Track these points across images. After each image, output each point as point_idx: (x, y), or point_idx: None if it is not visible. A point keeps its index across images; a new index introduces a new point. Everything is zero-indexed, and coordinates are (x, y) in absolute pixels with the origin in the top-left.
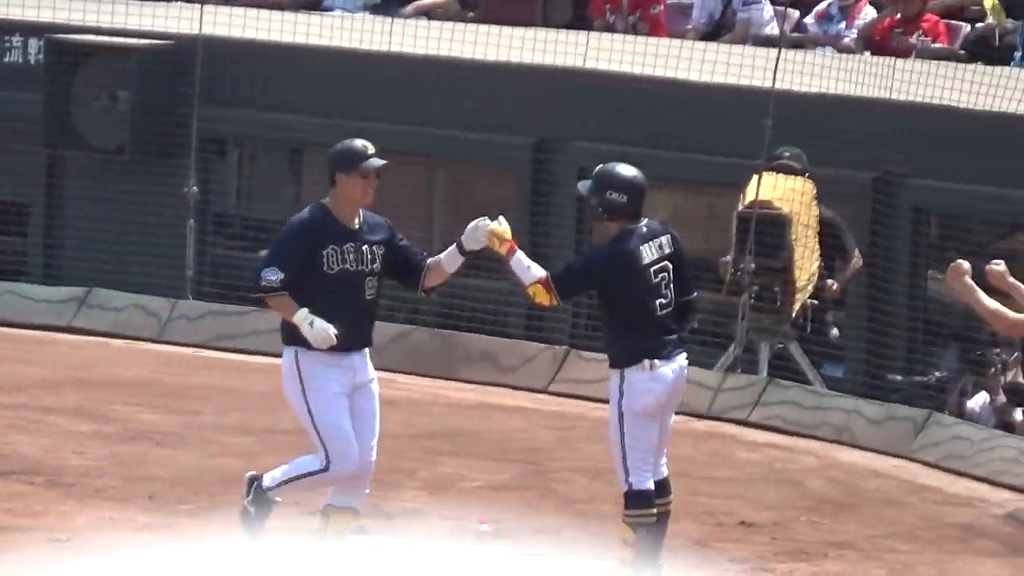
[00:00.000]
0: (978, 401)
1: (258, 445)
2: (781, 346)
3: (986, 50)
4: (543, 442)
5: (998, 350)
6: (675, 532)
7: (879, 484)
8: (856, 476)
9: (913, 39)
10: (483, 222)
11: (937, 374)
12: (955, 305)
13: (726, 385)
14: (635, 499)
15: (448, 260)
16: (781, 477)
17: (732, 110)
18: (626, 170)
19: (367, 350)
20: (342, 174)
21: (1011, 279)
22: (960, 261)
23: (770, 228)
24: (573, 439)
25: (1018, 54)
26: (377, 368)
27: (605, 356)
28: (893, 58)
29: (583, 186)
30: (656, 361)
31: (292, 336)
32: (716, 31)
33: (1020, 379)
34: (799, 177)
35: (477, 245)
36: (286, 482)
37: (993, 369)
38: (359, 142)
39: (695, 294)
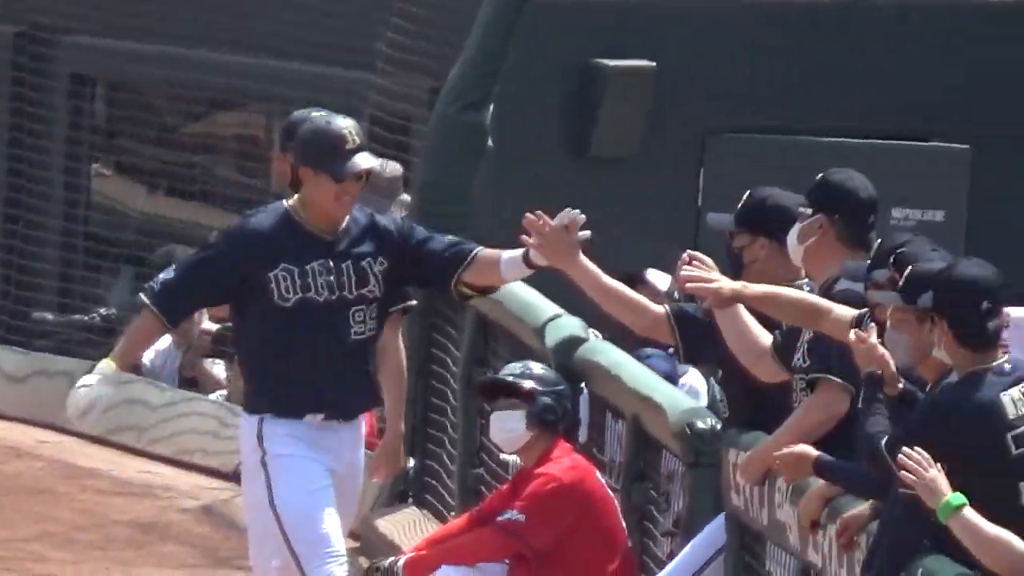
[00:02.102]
0: (159, 352)
1: None
2: None
3: None
4: None
5: None
6: None
7: (21, 467)
8: None
9: None
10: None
11: (103, 311)
12: (130, 215)
13: None
14: None
15: (509, 266)
16: None
17: None
18: None
19: (356, 422)
20: (309, 169)
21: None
22: None
23: None
24: None
25: None
26: None
27: None
28: None
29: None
30: None
31: (257, 400)
32: None
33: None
34: None
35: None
36: None
37: None
38: (339, 126)
39: None
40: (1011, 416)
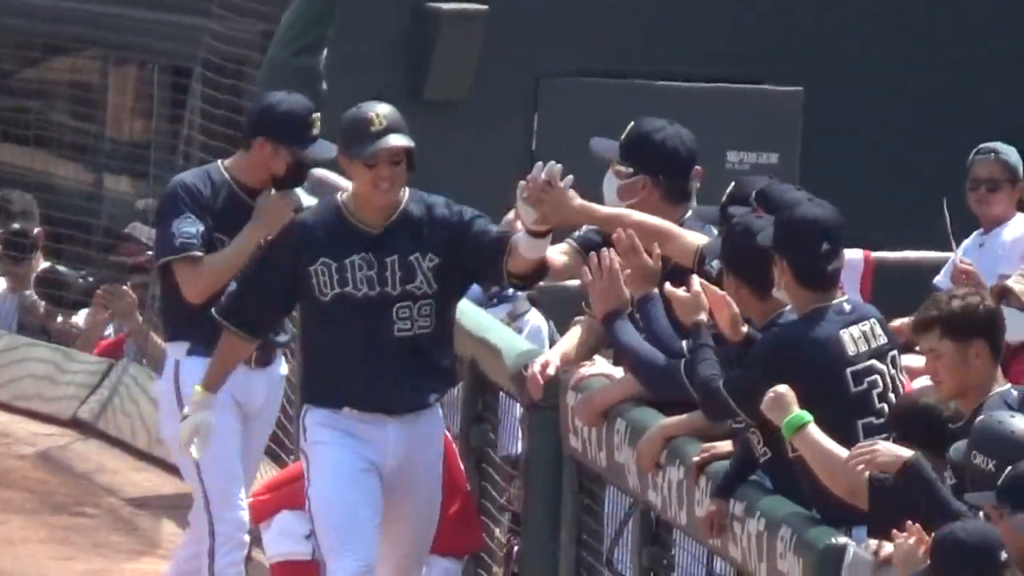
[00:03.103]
0: None
1: None
2: None
3: None
4: None
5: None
6: None
7: None
8: None
9: None
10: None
11: None
12: None
13: None
14: None
15: (524, 244)
16: None
17: None
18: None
19: (413, 418)
20: (343, 157)
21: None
22: None
23: None
24: None
25: None
26: None
27: None
28: None
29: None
30: None
31: (303, 389)
32: None
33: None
34: None
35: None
36: None
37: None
38: (371, 109)
39: None
40: (850, 353)
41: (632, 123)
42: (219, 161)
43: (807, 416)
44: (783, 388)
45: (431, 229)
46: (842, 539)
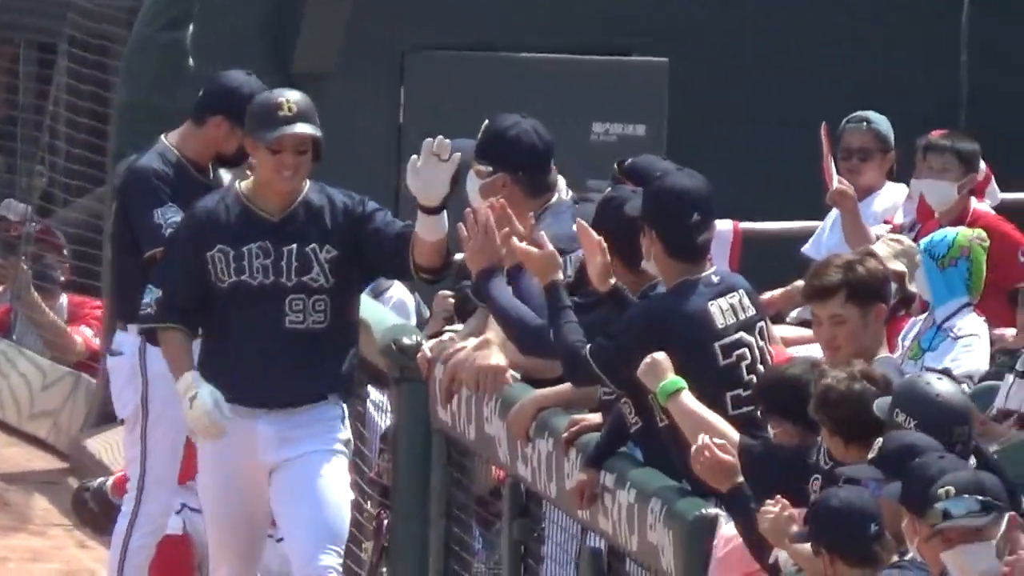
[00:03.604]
0: None
1: None
2: None
3: None
4: None
5: None
6: None
7: None
8: None
9: None
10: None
11: None
12: None
13: None
14: None
15: (419, 225)
16: None
17: None
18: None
19: (307, 411)
20: (250, 140)
21: None
22: None
23: None
24: None
25: None
26: None
27: None
28: None
29: None
30: None
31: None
32: None
33: None
34: None
35: (433, 190)
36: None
37: None
38: (281, 95)
39: None
40: (719, 325)
41: (486, 122)
42: (163, 138)
43: (681, 382)
44: (660, 355)
45: (331, 219)
46: (712, 510)
